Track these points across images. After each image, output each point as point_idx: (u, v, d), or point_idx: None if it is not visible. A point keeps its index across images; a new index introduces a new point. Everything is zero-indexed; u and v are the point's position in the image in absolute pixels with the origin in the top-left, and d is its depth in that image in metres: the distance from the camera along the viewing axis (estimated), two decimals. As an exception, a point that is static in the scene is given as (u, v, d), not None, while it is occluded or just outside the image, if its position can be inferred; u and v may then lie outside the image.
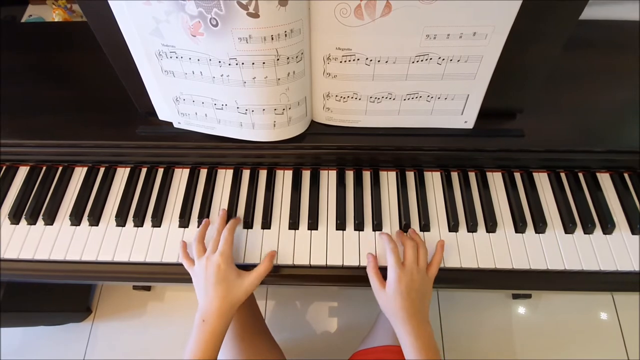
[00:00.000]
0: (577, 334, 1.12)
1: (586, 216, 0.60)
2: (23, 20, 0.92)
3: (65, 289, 1.12)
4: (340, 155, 0.63)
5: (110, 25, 0.49)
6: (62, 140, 0.63)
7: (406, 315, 0.48)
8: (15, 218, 0.63)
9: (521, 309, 1.17)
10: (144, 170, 0.67)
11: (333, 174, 0.65)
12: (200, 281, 0.51)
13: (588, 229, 0.59)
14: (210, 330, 0.48)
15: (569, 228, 0.59)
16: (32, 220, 0.62)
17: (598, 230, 0.59)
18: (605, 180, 0.64)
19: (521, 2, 0.44)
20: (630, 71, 0.65)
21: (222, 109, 0.55)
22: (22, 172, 0.67)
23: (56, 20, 0.88)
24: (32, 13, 0.93)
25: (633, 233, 0.59)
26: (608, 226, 0.59)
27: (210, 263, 0.51)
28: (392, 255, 0.52)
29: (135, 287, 1.21)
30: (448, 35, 0.47)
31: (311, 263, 0.58)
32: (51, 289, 1.08)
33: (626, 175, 0.64)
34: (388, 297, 0.50)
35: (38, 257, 0.60)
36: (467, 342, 1.12)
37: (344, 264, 0.58)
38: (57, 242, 0.61)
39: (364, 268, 0.57)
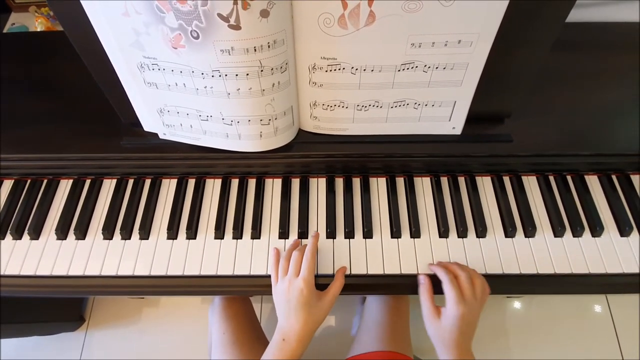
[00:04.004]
0: (571, 331, 1.13)
1: (575, 219, 0.60)
2: (6, 29, 0.90)
3: (57, 299, 1.11)
4: (329, 163, 0.63)
5: (89, 35, 0.48)
6: (47, 154, 0.62)
7: (456, 347, 0.48)
8: (0, 233, 0.62)
9: (515, 306, 1.18)
10: (130, 182, 0.66)
11: (322, 181, 0.65)
12: (281, 301, 0.52)
13: (577, 232, 0.59)
14: (289, 351, 0.49)
15: (558, 232, 0.59)
16: (18, 235, 0.61)
17: (587, 233, 0.59)
18: (593, 182, 0.64)
19: (505, 9, 0.43)
20: (617, 74, 0.65)
21: (207, 120, 0.54)
22: (6, 186, 0.66)
23: (39, 28, 0.87)
24: (15, 21, 0.92)
25: (622, 235, 0.59)
26: (597, 229, 0.59)
27: (293, 287, 0.51)
28: (452, 290, 0.49)
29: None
30: (433, 43, 0.46)
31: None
32: (43, 298, 1.06)
33: (614, 177, 0.64)
34: (443, 329, 0.49)
35: (24, 272, 0.59)
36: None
37: (335, 272, 0.57)
38: (44, 257, 0.60)
39: (359, 276, 0.57)
